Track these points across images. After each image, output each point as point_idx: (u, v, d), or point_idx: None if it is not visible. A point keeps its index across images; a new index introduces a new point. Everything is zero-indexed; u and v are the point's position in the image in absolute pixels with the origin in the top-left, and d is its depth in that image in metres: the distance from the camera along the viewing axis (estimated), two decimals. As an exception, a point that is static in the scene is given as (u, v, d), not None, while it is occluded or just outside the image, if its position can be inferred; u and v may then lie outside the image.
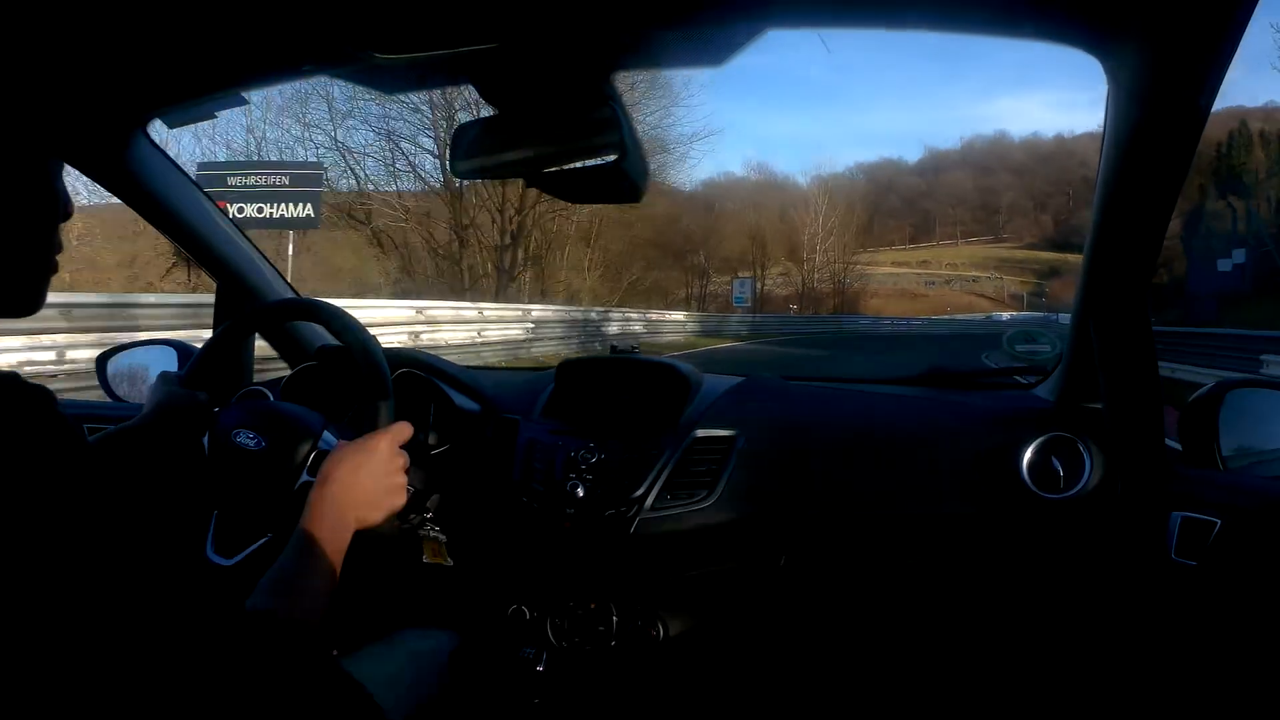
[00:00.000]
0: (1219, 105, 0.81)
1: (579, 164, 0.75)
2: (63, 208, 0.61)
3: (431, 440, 1.13)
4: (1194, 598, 0.95)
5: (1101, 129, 0.89)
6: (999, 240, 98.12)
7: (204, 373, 1.02)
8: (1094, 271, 1.01)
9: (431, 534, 1.14)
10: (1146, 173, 0.87)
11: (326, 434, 0.91)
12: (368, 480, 0.79)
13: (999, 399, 1.33)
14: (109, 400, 1.38)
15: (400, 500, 0.83)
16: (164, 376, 0.99)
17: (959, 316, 43.74)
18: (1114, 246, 0.97)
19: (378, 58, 0.86)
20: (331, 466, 0.78)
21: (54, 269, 0.61)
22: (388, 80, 0.94)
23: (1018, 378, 1.40)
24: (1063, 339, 1.19)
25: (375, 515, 0.80)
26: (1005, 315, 50.82)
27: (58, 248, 0.61)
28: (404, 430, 0.86)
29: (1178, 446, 1.09)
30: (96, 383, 1.38)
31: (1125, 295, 1.01)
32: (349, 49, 0.85)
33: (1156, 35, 0.71)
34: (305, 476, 0.88)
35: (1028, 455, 1.11)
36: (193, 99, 1.07)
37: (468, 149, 0.79)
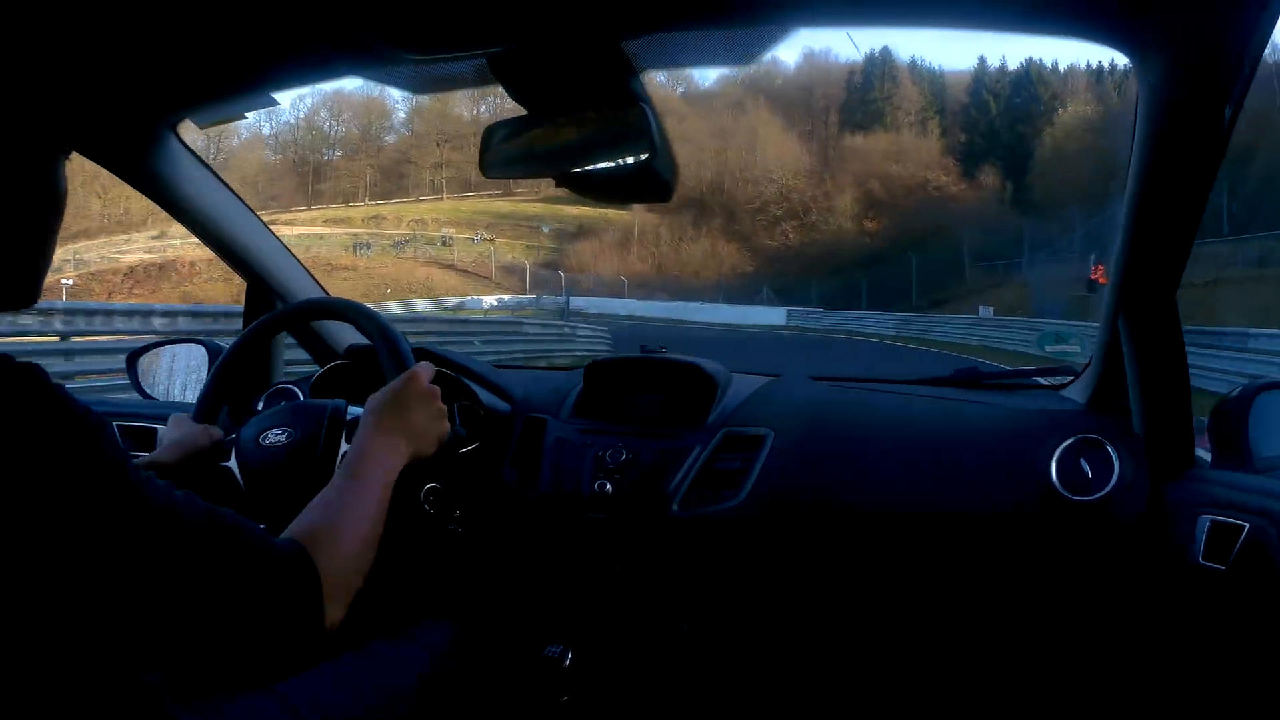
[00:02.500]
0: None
1: (610, 164, 0.76)
2: (63, 202, 0.62)
3: (460, 439, 1.14)
4: (1221, 602, 0.94)
5: (1132, 130, 0.89)
6: (510, 194, 61.12)
7: (227, 378, 1.04)
8: (1125, 273, 1.00)
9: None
10: (1176, 175, 0.87)
11: (352, 407, 0.93)
12: (413, 412, 0.82)
13: (1028, 400, 1.32)
14: (139, 398, 1.40)
15: (444, 427, 0.86)
16: (175, 419, 1.00)
17: (407, 304, 27.90)
18: (1144, 248, 0.97)
19: (410, 59, 0.87)
20: (374, 405, 0.81)
21: (49, 262, 0.62)
22: (419, 81, 0.95)
23: (1047, 379, 1.39)
24: (1092, 340, 1.19)
25: (426, 443, 0.83)
26: (488, 300, 32.24)
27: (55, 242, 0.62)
28: (428, 368, 0.88)
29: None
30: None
31: (1155, 297, 1.00)
32: (382, 50, 0.86)
33: (1186, 37, 0.71)
34: (344, 446, 0.90)
35: (1056, 457, 1.11)
36: (222, 98, 1.09)
37: (498, 149, 0.80)
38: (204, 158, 1.22)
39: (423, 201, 60.31)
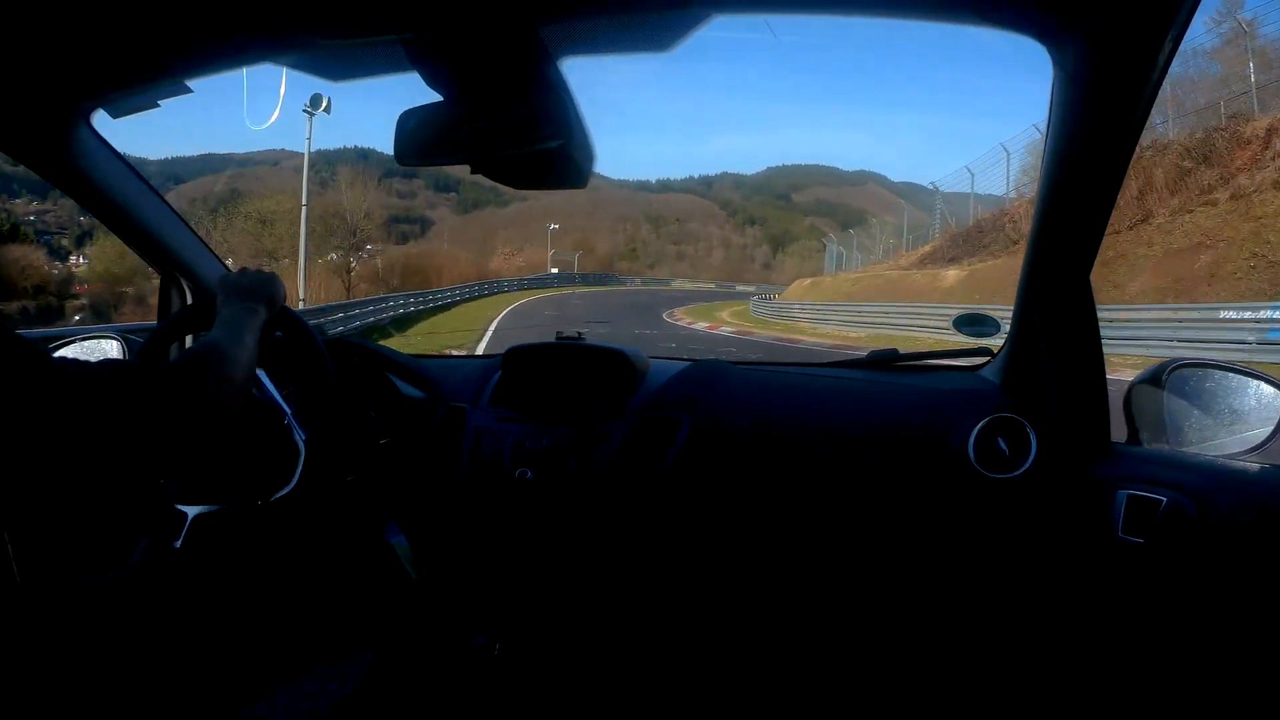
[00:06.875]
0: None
1: (524, 149, 0.75)
2: None
3: (377, 428, 1.13)
4: (1141, 574, 0.98)
5: (1047, 116, 0.91)
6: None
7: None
8: (1038, 256, 1.03)
9: (394, 541, 1.15)
10: (1090, 160, 0.89)
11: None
12: (248, 279, 1.01)
13: (945, 381, 1.34)
14: None
15: (278, 282, 1.01)
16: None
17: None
18: (1058, 232, 0.99)
19: (324, 45, 0.85)
20: (223, 287, 0.99)
21: None
22: (333, 68, 0.93)
23: (964, 360, 1.40)
24: (1008, 322, 1.21)
25: (268, 295, 0.99)
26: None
27: None
28: None
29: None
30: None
31: (1069, 279, 1.02)
32: (294, 35, 0.84)
33: (1104, 26, 0.72)
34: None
35: (974, 436, 1.13)
36: (135, 86, 1.05)
37: (411, 137, 0.78)
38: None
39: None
